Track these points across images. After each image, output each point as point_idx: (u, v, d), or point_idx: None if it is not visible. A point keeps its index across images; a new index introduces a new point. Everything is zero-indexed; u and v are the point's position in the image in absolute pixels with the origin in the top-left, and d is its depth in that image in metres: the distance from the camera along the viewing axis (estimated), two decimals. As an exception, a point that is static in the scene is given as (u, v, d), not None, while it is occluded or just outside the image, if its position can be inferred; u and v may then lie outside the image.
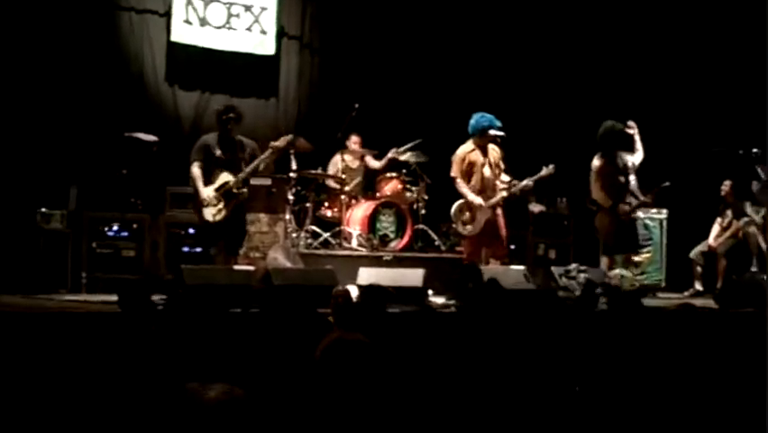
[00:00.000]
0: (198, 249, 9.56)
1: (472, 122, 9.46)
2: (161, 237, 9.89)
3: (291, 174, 10.04)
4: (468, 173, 9.46)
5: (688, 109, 12.32)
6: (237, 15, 11.57)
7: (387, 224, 10.57)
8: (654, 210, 11.33)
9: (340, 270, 8.76)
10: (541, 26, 12.54)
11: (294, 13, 12.04)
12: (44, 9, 10.24)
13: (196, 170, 8.69)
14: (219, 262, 8.79)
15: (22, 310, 7.56)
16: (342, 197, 10.61)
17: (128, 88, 10.89)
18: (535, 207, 11.46)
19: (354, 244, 10.39)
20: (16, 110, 9.92)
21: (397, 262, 9.97)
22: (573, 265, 9.34)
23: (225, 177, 8.66)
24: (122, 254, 9.63)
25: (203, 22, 11.37)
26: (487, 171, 9.46)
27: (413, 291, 8.23)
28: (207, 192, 8.64)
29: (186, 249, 9.80)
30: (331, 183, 10.86)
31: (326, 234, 10.44)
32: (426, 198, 10.95)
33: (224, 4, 11.49)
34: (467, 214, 9.48)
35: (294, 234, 10.24)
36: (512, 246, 10.70)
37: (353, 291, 6.30)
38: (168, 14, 11.19)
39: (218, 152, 8.72)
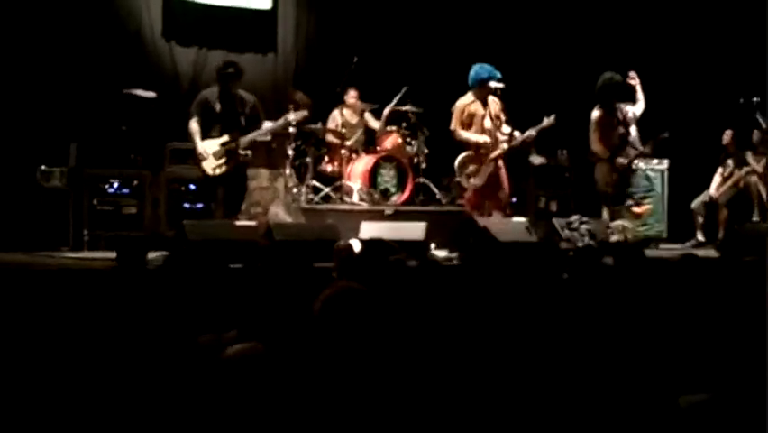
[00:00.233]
0: (199, 205, 9.57)
1: (472, 73, 9.41)
2: (162, 194, 9.89)
3: (291, 129, 10.00)
4: (468, 125, 9.42)
5: (687, 58, 12.24)
6: (233, -30, 11.50)
7: (387, 178, 10.56)
8: (656, 161, 11.31)
9: (341, 224, 8.77)
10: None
11: (290, -33, 11.96)
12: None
13: (194, 124, 8.70)
14: (218, 217, 8.81)
15: (20, 266, 7.58)
16: (343, 151, 10.59)
17: (125, 45, 10.83)
18: (536, 159, 11.44)
19: (355, 198, 10.38)
20: (15, 68, 9.87)
21: (399, 216, 9.96)
22: (575, 217, 9.33)
23: (226, 135, 8.68)
24: (123, 211, 9.63)
25: (200, -23, 11.31)
26: (487, 123, 9.42)
27: (415, 245, 8.24)
28: (203, 146, 8.65)
29: (187, 205, 9.80)
30: (331, 138, 10.82)
31: (327, 189, 10.44)
32: (427, 151, 10.92)
33: (221, -41, 11.42)
34: (471, 166, 9.46)
35: (294, 190, 10.23)
36: (513, 199, 10.69)
37: (356, 246, 6.31)
38: (164, -30, 11.12)
39: (218, 107, 8.71)
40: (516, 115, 9.75)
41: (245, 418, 2.88)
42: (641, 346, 3.60)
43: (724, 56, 11.99)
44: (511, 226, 9.07)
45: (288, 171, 10.24)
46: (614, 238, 8.96)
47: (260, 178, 10.06)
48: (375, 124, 11.13)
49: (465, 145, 9.50)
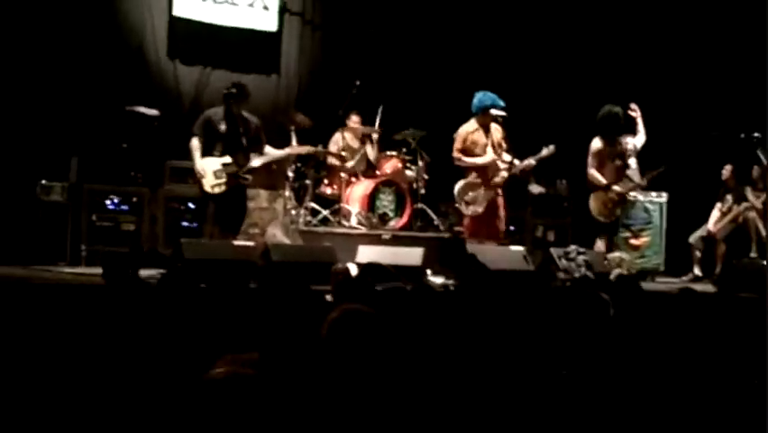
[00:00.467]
0: (197, 223, 9.59)
1: (475, 100, 9.45)
2: (160, 211, 9.91)
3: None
4: (470, 153, 9.45)
5: (689, 92, 12.28)
6: (239, -9, 11.55)
7: (386, 202, 10.56)
8: (654, 194, 11.32)
9: (338, 247, 8.77)
10: (543, 6, 12.49)
11: (296, -10, 12.01)
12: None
13: (195, 142, 8.79)
14: (207, 234, 8.87)
15: (17, 280, 7.57)
16: (342, 174, 10.59)
17: (129, 62, 10.85)
18: (535, 188, 11.44)
19: (353, 222, 10.37)
20: (17, 83, 9.88)
21: (396, 240, 9.96)
22: (572, 247, 9.33)
23: (229, 155, 8.73)
24: (121, 228, 9.65)
25: (205, -4, 11.35)
26: (489, 152, 9.46)
27: (411, 270, 8.23)
28: (202, 164, 8.70)
29: (185, 223, 9.82)
30: (331, 160, 10.82)
31: (326, 212, 10.44)
32: (426, 177, 10.92)
33: (227, -21, 11.47)
34: (471, 193, 9.47)
35: (293, 211, 10.23)
36: (511, 227, 10.70)
37: (353, 269, 6.30)
38: (170, -12, 11.16)
39: (222, 128, 8.79)
40: (517, 143, 9.77)
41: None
42: (637, 379, 3.59)
43: (726, 91, 12.02)
44: (508, 255, 9.07)
45: (287, 193, 10.25)
46: (615, 273, 8.88)
47: (259, 198, 10.07)
48: (372, 154, 11.07)
49: (465, 172, 9.52)
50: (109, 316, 4.53)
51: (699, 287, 9.25)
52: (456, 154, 9.46)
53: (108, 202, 9.66)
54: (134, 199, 9.78)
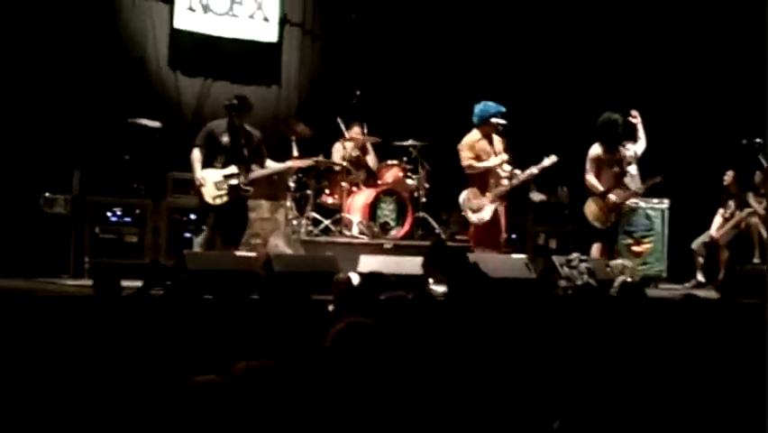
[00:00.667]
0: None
1: (477, 110, 9.46)
2: (163, 222, 9.92)
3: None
4: (479, 161, 9.46)
5: (690, 98, 12.29)
6: (240, 2, 11.57)
7: (387, 211, 10.57)
8: (656, 200, 11.31)
9: (340, 257, 8.77)
10: (543, 14, 12.50)
11: (296, 1, 12.02)
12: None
13: (196, 153, 8.82)
14: (205, 242, 8.87)
15: (20, 293, 7.58)
16: (344, 184, 10.60)
17: (130, 74, 10.87)
18: (536, 196, 11.44)
19: (355, 231, 10.38)
20: (19, 95, 9.90)
21: (398, 250, 9.96)
22: (575, 255, 9.31)
23: (231, 167, 8.74)
24: (124, 240, 9.65)
25: (206, 8, 11.36)
26: (494, 160, 9.48)
27: (413, 279, 8.22)
28: (202, 174, 8.74)
29: (187, 234, 9.83)
30: (332, 170, 10.83)
31: (327, 222, 10.45)
32: (427, 185, 10.93)
33: (228, -9, 11.50)
34: (475, 202, 9.48)
35: (295, 221, 10.24)
36: (513, 235, 10.70)
37: (355, 279, 6.30)
38: (171, 1, 11.18)
39: (225, 139, 8.83)
40: (518, 152, 9.78)
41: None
42: (641, 386, 3.59)
43: (727, 97, 12.03)
44: (510, 263, 9.06)
45: (288, 203, 10.26)
46: (620, 280, 8.85)
47: (260, 209, 10.08)
48: (372, 163, 11.09)
49: (470, 180, 9.52)
50: (110, 327, 4.53)
51: (702, 293, 9.25)
52: (467, 162, 9.43)
53: (111, 214, 9.66)
54: (137, 211, 9.78)
